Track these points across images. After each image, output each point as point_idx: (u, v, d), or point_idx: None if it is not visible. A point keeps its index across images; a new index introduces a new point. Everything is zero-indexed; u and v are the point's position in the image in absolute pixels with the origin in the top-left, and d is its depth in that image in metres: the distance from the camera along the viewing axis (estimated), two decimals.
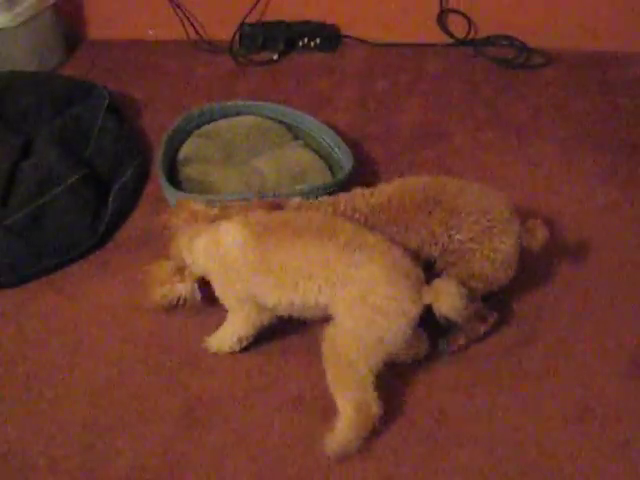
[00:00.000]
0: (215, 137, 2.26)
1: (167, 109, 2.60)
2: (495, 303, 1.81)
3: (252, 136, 2.27)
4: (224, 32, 2.97)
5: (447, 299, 1.51)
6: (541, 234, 1.74)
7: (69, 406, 1.69)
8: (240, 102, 2.38)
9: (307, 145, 2.27)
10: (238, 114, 2.35)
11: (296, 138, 2.32)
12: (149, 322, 1.85)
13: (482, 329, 1.78)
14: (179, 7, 2.95)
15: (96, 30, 3.08)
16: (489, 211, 1.70)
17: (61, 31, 2.87)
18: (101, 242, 2.06)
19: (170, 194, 2.01)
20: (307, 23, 2.96)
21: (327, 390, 1.55)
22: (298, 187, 2.01)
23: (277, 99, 2.51)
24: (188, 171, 2.14)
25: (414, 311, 1.51)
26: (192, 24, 2.98)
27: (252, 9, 2.93)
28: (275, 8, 2.96)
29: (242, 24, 2.95)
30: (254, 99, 2.44)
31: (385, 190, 1.74)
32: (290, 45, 2.94)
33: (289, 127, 2.35)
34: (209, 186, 2.08)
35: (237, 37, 2.95)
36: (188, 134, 2.27)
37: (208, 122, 2.31)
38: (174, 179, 2.10)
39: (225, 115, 2.35)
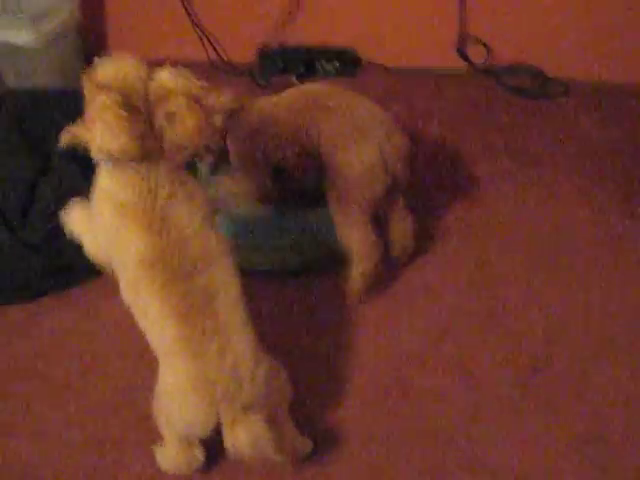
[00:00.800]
0: None
1: None
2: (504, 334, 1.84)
3: None
4: (244, 54, 3.02)
5: None
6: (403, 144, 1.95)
7: (79, 423, 1.71)
8: None
9: None
10: None
11: None
12: None
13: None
14: (200, 28, 3.00)
15: (119, 50, 3.11)
16: (354, 117, 1.93)
17: (84, 51, 2.92)
18: None
19: None
20: (326, 47, 3.00)
21: None
22: None
23: None
24: (212, 192, 2.12)
25: None
26: (213, 45, 3.02)
27: (273, 32, 2.97)
28: (295, 32, 3.00)
29: (262, 47, 2.99)
30: None
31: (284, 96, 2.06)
32: (309, 69, 2.98)
33: None
34: None
35: (257, 60, 2.99)
36: None
37: None
38: None
39: None
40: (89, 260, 1.54)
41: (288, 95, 2.06)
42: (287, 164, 2.06)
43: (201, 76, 2.89)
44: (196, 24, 2.99)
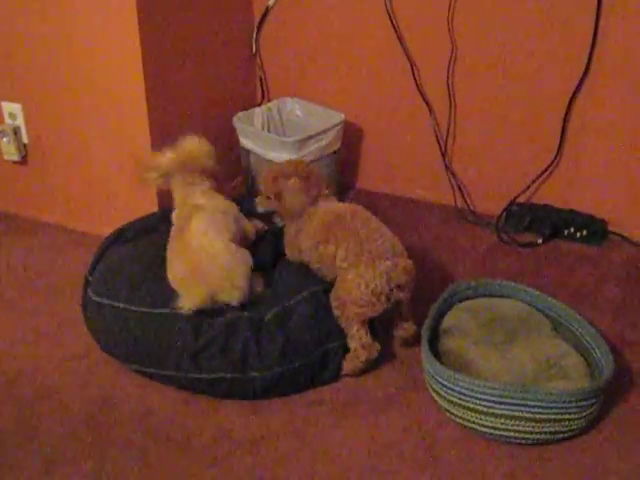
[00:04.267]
0: (476, 313, 2.34)
1: (432, 270, 2.75)
2: None
3: (513, 320, 2.33)
4: (491, 206, 3.10)
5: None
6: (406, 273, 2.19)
7: None
8: (505, 283, 2.44)
9: (566, 339, 2.27)
10: (501, 294, 2.43)
11: (554, 329, 2.34)
12: None
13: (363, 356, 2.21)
14: (453, 174, 3.12)
15: (367, 180, 3.33)
16: (369, 242, 2.20)
17: (337, 176, 3.12)
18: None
19: (430, 362, 2.08)
20: (575, 213, 3.01)
21: None
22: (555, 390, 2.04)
23: (536, 284, 2.53)
24: (447, 342, 2.23)
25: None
26: (462, 193, 3.13)
27: (524, 190, 3.04)
28: (544, 192, 3.06)
29: (511, 202, 3.06)
30: (514, 281, 2.49)
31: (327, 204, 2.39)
32: (555, 231, 3.01)
33: (547, 316, 2.37)
34: (466, 361, 2.15)
35: (504, 214, 3.06)
36: (451, 305, 2.37)
37: (472, 297, 2.41)
38: (433, 347, 2.18)
39: (488, 292, 2.43)
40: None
41: (325, 209, 2.37)
42: (312, 267, 2.40)
43: (445, 220, 3.03)
44: (449, 169, 3.12)
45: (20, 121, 2.93)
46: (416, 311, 2.35)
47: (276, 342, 2.16)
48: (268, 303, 2.29)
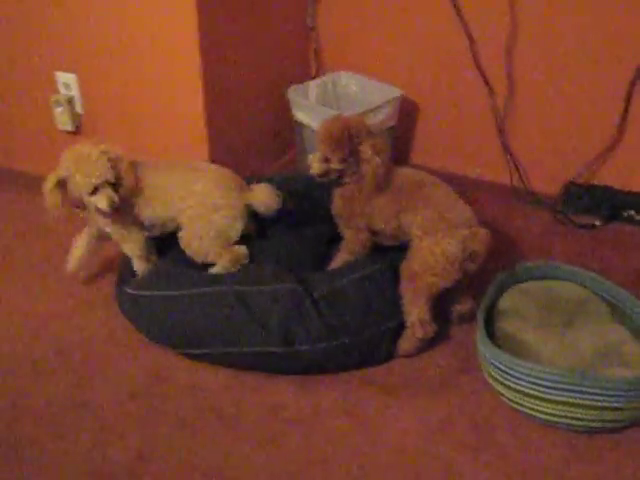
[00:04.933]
0: (533, 296, 2.30)
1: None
2: None
3: (570, 303, 2.28)
4: (549, 186, 3.04)
5: (260, 195, 2.31)
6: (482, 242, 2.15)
7: None
8: (563, 265, 2.40)
9: (625, 325, 2.22)
10: (558, 276, 2.38)
11: (612, 314, 2.29)
12: None
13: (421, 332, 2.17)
14: (510, 154, 3.06)
15: (421, 156, 3.28)
16: (446, 210, 2.18)
17: (391, 151, 2.99)
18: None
19: (485, 345, 2.05)
20: (635, 194, 2.94)
21: None
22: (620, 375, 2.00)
23: (594, 268, 2.50)
24: (503, 325, 2.19)
25: (239, 204, 2.30)
26: (519, 172, 3.07)
27: (583, 171, 2.98)
28: (603, 173, 2.99)
29: (569, 182, 3.00)
30: (571, 263, 2.44)
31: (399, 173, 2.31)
32: (614, 213, 2.94)
33: (606, 301, 2.32)
34: (522, 344, 2.11)
35: (562, 194, 3.00)
36: (507, 287, 2.33)
37: (528, 279, 2.37)
38: (488, 329, 2.15)
39: (545, 275, 2.38)
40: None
41: (400, 175, 2.29)
42: (383, 234, 2.33)
43: (501, 200, 2.98)
44: (506, 148, 3.06)
45: (74, 91, 2.94)
46: (473, 297, 2.32)
47: (324, 318, 2.15)
48: (319, 279, 2.27)
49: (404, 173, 2.31)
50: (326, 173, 2.25)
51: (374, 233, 2.33)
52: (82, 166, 2.20)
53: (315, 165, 2.24)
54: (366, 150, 2.18)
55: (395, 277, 2.24)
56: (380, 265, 2.28)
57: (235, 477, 1.88)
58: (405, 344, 2.21)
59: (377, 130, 2.86)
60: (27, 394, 2.13)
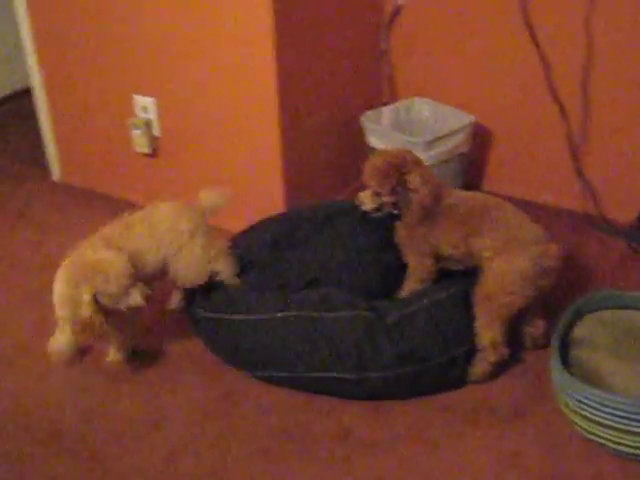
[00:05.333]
0: (609, 324, 2.27)
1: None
2: None
3: None
4: (623, 214, 2.99)
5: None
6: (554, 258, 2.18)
7: None
8: (638, 295, 2.37)
9: None
10: (634, 306, 2.34)
11: None
12: None
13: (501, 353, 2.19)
14: (584, 179, 3.03)
15: (493, 182, 3.27)
16: (515, 230, 2.20)
17: (463, 177, 3.09)
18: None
19: (559, 373, 2.03)
20: None
21: None
22: None
23: None
24: (578, 353, 2.17)
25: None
26: (594, 199, 3.04)
27: None
28: None
29: None
30: None
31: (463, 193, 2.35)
32: None
33: None
34: (596, 373, 2.09)
35: (637, 223, 2.94)
36: (582, 315, 2.30)
37: (603, 308, 2.33)
38: (563, 357, 2.12)
39: (621, 304, 2.34)
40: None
41: (465, 200, 2.29)
42: (451, 259, 2.31)
43: (574, 227, 2.95)
44: (581, 174, 3.03)
45: (152, 115, 3.01)
46: (546, 320, 2.31)
47: (394, 344, 2.15)
48: (389, 306, 2.28)
49: (469, 197, 2.32)
50: (379, 207, 2.28)
51: (440, 259, 2.33)
52: (106, 274, 2.11)
53: (367, 201, 2.28)
54: (413, 180, 2.20)
55: (464, 302, 2.25)
56: (449, 291, 2.28)
57: None
58: (477, 369, 2.21)
59: (450, 156, 2.89)
60: (103, 411, 2.19)
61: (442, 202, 2.25)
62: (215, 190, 2.43)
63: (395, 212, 2.30)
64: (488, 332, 2.17)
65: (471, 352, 2.20)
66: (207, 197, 2.41)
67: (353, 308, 2.23)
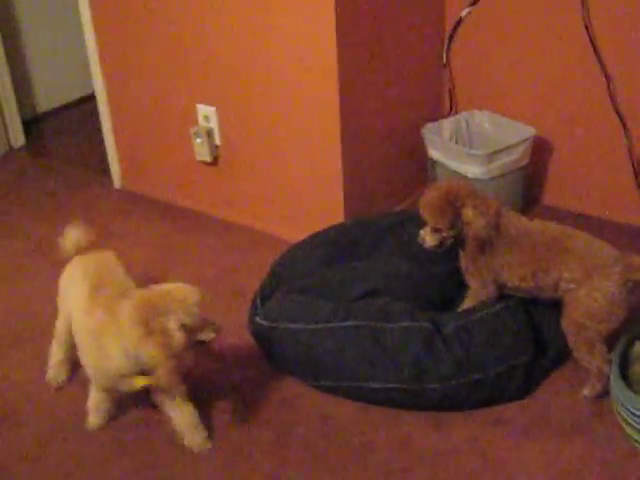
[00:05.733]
0: None
1: None
2: None
3: None
4: None
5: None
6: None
7: None
8: None
9: None
10: None
11: None
12: None
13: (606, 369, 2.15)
14: None
15: (553, 196, 3.25)
16: (591, 256, 2.15)
17: (523, 191, 3.09)
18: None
19: (620, 389, 2.02)
20: None
21: None
22: None
23: None
24: (638, 369, 2.14)
25: None
26: None
27: None
28: None
29: None
30: None
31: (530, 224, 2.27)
32: None
33: None
34: None
35: None
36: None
37: None
38: (623, 373, 2.11)
39: None
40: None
41: (532, 232, 2.24)
42: (516, 290, 2.29)
43: (635, 243, 2.92)
44: None
45: (214, 123, 3.06)
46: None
47: (453, 355, 2.16)
48: (448, 317, 2.29)
49: (537, 228, 2.27)
50: (441, 243, 2.25)
51: (505, 288, 2.31)
52: (186, 307, 1.95)
53: (428, 239, 2.25)
54: (467, 213, 2.17)
55: (522, 313, 2.26)
56: (507, 302, 2.28)
57: None
58: (588, 391, 2.21)
59: (510, 169, 2.88)
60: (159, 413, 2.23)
61: (506, 232, 2.21)
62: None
63: (459, 243, 2.28)
64: (592, 360, 2.16)
65: (531, 363, 2.21)
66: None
67: (413, 319, 2.24)
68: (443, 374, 2.15)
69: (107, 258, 2.29)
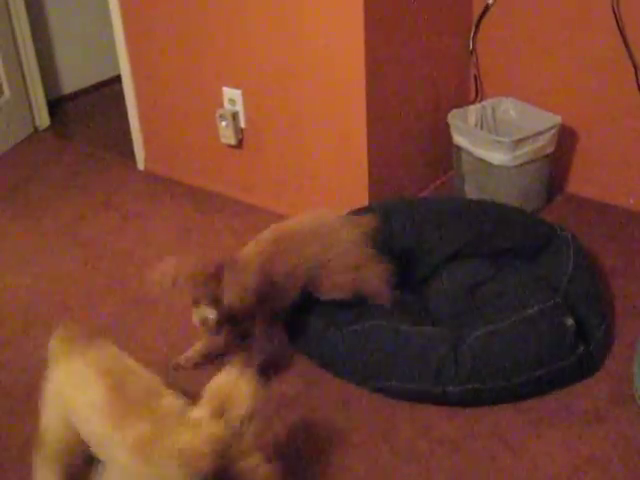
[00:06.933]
0: None
1: (639, 286, 2.65)
2: None
3: None
4: None
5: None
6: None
7: None
8: None
9: None
10: None
11: None
12: None
13: None
14: None
15: (578, 185, 3.24)
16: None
17: (548, 179, 3.09)
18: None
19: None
20: None
21: None
22: None
23: None
24: None
25: None
26: None
27: None
28: None
29: None
30: None
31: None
32: None
33: None
34: None
35: None
36: None
37: None
38: None
39: None
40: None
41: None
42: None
43: None
44: None
45: (239, 107, 3.07)
46: (629, 325, 2.29)
47: (475, 362, 2.14)
48: (474, 323, 2.27)
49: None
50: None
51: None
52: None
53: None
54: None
55: (548, 322, 2.21)
56: (536, 309, 2.23)
57: None
58: None
59: (535, 157, 2.89)
60: None
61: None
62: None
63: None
64: None
65: (552, 373, 2.18)
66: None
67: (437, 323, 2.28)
68: (462, 380, 2.14)
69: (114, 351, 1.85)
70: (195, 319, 2.11)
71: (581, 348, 2.20)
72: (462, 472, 1.98)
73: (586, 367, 2.25)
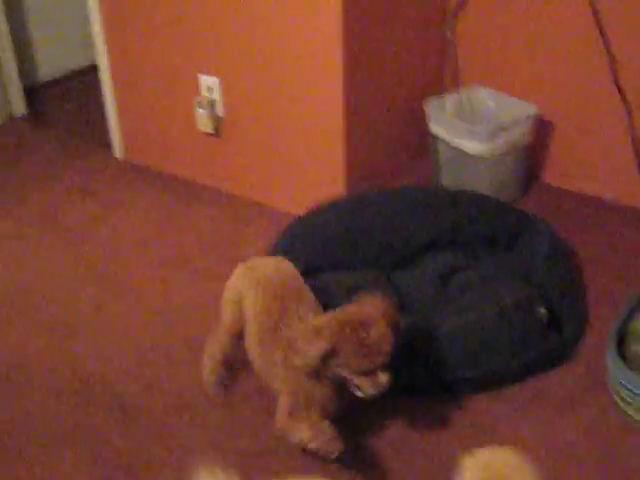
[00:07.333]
0: None
1: (612, 276, 2.66)
2: None
3: None
4: None
5: None
6: None
7: None
8: None
9: None
10: None
11: None
12: None
13: None
14: None
15: (553, 176, 3.25)
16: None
17: (524, 170, 3.10)
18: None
19: (615, 365, 2.05)
20: None
21: None
22: None
23: None
24: (636, 347, 2.16)
25: None
26: None
27: None
28: None
29: None
30: None
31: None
32: None
33: None
34: None
35: None
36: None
37: None
38: (620, 351, 2.13)
39: None
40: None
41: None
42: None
43: (633, 224, 2.93)
44: None
45: (217, 95, 3.06)
46: (602, 314, 2.31)
47: (448, 351, 2.16)
48: (446, 311, 2.28)
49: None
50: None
51: None
52: None
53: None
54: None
55: (528, 312, 2.23)
56: (510, 298, 2.25)
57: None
58: None
59: (512, 148, 2.90)
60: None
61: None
62: None
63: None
64: None
65: (526, 362, 2.21)
66: None
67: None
68: (444, 369, 2.16)
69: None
70: (372, 391, 1.82)
71: (554, 337, 2.23)
72: (439, 457, 1.99)
73: (560, 356, 2.27)
